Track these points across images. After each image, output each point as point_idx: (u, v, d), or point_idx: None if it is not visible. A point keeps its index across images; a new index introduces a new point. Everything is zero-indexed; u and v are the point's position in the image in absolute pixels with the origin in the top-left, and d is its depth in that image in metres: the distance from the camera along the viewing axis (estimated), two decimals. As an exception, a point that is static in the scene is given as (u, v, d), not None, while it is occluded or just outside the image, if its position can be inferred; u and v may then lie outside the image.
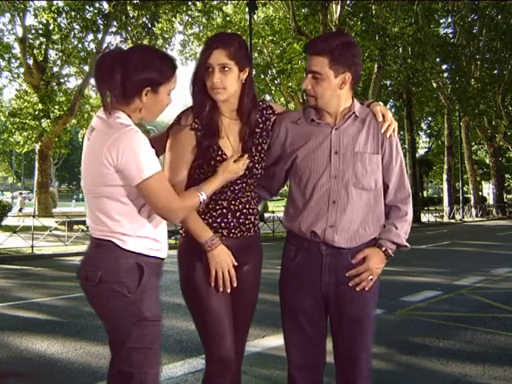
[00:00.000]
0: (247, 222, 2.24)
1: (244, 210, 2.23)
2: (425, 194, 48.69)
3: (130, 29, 21.73)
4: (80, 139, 34.46)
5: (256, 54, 27.02)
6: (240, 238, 2.23)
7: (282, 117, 2.30)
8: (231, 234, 2.21)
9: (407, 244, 2.24)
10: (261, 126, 2.27)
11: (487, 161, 40.88)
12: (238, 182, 2.20)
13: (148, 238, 1.99)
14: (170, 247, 2.17)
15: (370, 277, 2.16)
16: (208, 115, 2.17)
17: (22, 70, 23.43)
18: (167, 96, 2.04)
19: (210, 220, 2.19)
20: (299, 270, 2.22)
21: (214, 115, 2.18)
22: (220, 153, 2.17)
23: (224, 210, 2.20)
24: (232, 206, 2.21)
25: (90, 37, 23.00)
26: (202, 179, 2.16)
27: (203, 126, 2.17)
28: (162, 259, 2.08)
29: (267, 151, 2.30)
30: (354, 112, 2.19)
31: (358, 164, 2.15)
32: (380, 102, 2.34)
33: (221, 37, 2.22)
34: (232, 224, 2.21)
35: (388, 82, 28.79)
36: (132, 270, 1.92)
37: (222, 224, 2.20)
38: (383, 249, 2.19)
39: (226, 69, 2.09)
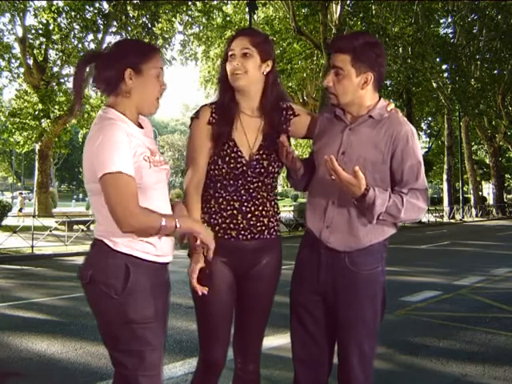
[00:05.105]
0: (259, 224, 2.19)
1: (256, 212, 2.18)
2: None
3: (130, 29, 21.72)
4: (80, 139, 34.38)
5: (256, 54, 26.96)
6: (251, 240, 2.18)
7: (321, 110, 2.35)
8: (240, 236, 2.17)
9: (375, 215, 2.02)
10: (283, 127, 2.24)
11: (487, 161, 40.81)
12: (254, 180, 2.17)
13: (142, 241, 1.91)
14: (182, 247, 2.15)
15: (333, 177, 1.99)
16: (225, 106, 2.18)
17: (22, 69, 23.35)
18: (157, 78, 1.98)
19: (220, 220, 2.16)
20: (302, 265, 2.24)
21: (231, 106, 2.18)
22: (235, 149, 2.15)
23: (234, 212, 2.16)
24: (244, 208, 2.17)
25: (90, 37, 22.98)
26: (217, 175, 2.16)
27: (219, 117, 2.17)
28: (161, 263, 1.97)
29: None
30: (370, 115, 2.12)
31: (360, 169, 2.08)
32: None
33: (247, 29, 2.41)
34: (241, 226, 2.16)
35: (388, 82, 28.74)
36: (120, 271, 1.88)
37: (231, 225, 2.16)
38: (368, 188, 1.99)
39: (248, 54, 2.12)
